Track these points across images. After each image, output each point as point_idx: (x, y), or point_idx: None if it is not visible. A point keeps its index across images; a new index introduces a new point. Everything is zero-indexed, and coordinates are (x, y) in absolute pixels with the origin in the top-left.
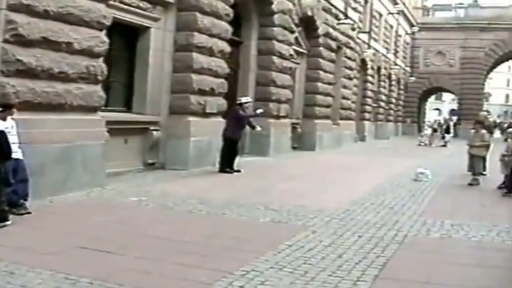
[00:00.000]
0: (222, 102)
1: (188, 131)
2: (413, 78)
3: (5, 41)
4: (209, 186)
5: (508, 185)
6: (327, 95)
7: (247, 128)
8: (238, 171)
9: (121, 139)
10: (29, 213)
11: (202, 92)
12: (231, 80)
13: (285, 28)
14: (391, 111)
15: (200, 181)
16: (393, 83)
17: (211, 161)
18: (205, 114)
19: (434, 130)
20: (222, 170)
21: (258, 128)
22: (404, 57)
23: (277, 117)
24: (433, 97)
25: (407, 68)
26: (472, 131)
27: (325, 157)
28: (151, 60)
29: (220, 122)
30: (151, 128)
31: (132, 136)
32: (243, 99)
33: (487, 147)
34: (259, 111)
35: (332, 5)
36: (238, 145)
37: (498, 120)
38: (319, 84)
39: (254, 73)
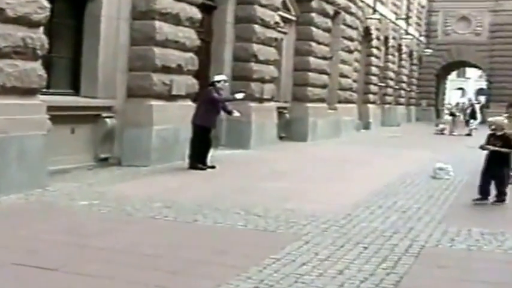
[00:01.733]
0: (192, 82)
1: (150, 118)
2: (429, 51)
3: None
4: (177, 186)
5: None
6: (322, 72)
7: (223, 113)
8: (213, 167)
9: (67, 128)
10: None
11: (167, 70)
12: (202, 54)
13: None
14: (402, 92)
15: (165, 180)
16: (404, 56)
17: (179, 155)
18: (172, 97)
19: (453, 115)
20: (193, 166)
21: (236, 114)
22: (418, 25)
23: (260, 100)
24: (454, 74)
25: (422, 38)
26: (505, 115)
27: (320, 149)
28: (103, 31)
29: (190, 107)
30: (104, 114)
31: (80, 125)
32: (217, 78)
33: None
34: (239, 95)
35: None
36: (212, 135)
37: None
38: (312, 59)
39: (231, 46)
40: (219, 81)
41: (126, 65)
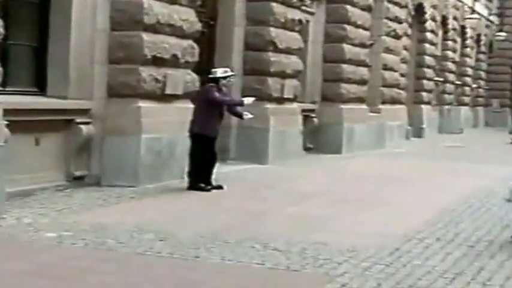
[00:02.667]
0: (191, 78)
1: (138, 125)
2: (503, 34)
3: None
4: (173, 213)
5: None
6: (360, 64)
7: (232, 117)
8: (219, 187)
9: (30, 138)
10: None
11: (159, 62)
12: (205, 41)
13: None
14: (466, 89)
15: (158, 204)
16: (469, 42)
17: (176, 173)
18: (166, 98)
19: None
20: (194, 186)
21: (248, 116)
22: (488, 0)
23: (280, 100)
24: None
25: (494, 18)
26: None
27: (358, 164)
28: (75, 11)
29: (189, 110)
30: (79, 120)
31: (47, 133)
32: (219, 72)
33: None
34: (248, 99)
35: None
36: (216, 145)
37: None
38: (347, 46)
39: (241, 30)
40: (224, 78)
41: (106, 56)
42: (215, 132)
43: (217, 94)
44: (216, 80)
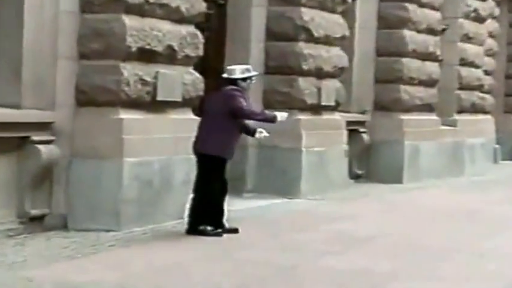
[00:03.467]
0: (193, 79)
1: (119, 144)
2: None
3: None
4: (168, 268)
5: None
6: (428, 57)
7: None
8: (233, 230)
9: None
10: None
11: (148, 57)
12: (212, 28)
13: None
14: None
15: (149, 256)
16: None
17: (172, 211)
18: (157, 106)
19: None
20: (197, 229)
21: (263, 134)
22: None
23: (316, 109)
24: None
25: None
26: None
27: (427, 197)
28: None
29: (190, 123)
30: (36, 137)
31: None
32: (238, 71)
33: None
34: (282, 115)
35: None
36: (228, 170)
37: None
38: (409, 33)
39: (262, 12)
40: (244, 79)
41: (74, 50)
42: (232, 154)
43: (244, 103)
44: (234, 82)
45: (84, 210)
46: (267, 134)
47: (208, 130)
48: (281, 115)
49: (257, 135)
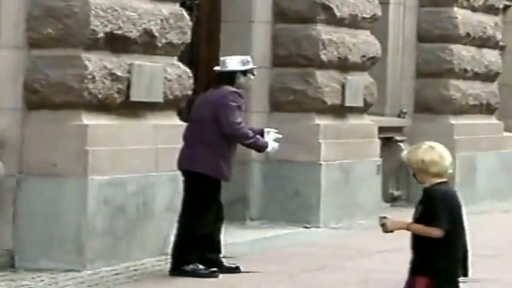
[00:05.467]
0: (177, 73)
1: (83, 158)
2: None
3: None
4: None
5: None
6: (485, 44)
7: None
8: (233, 269)
9: None
10: None
11: (117, 45)
12: (203, 8)
13: None
14: None
15: None
16: None
17: (151, 245)
18: (132, 108)
19: None
20: (184, 269)
21: (274, 147)
22: None
23: (340, 111)
24: None
25: None
26: None
27: (487, 224)
28: None
29: (174, 130)
30: None
31: None
32: (234, 63)
33: None
34: (273, 147)
35: None
36: (225, 191)
37: None
38: (460, 12)
39: None
40: (243, 72)
41: (21, 36)
42: (225, 173)
43: (238, 118)
44: (230, 77)
45: (36, 244)
46: (274, 147)
47: (195, 141)
48: (272, 146)
49: (270, 148)
